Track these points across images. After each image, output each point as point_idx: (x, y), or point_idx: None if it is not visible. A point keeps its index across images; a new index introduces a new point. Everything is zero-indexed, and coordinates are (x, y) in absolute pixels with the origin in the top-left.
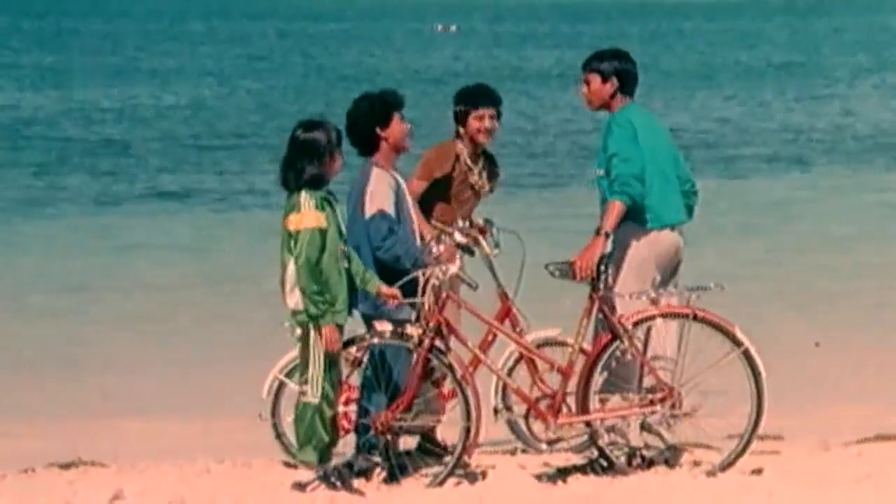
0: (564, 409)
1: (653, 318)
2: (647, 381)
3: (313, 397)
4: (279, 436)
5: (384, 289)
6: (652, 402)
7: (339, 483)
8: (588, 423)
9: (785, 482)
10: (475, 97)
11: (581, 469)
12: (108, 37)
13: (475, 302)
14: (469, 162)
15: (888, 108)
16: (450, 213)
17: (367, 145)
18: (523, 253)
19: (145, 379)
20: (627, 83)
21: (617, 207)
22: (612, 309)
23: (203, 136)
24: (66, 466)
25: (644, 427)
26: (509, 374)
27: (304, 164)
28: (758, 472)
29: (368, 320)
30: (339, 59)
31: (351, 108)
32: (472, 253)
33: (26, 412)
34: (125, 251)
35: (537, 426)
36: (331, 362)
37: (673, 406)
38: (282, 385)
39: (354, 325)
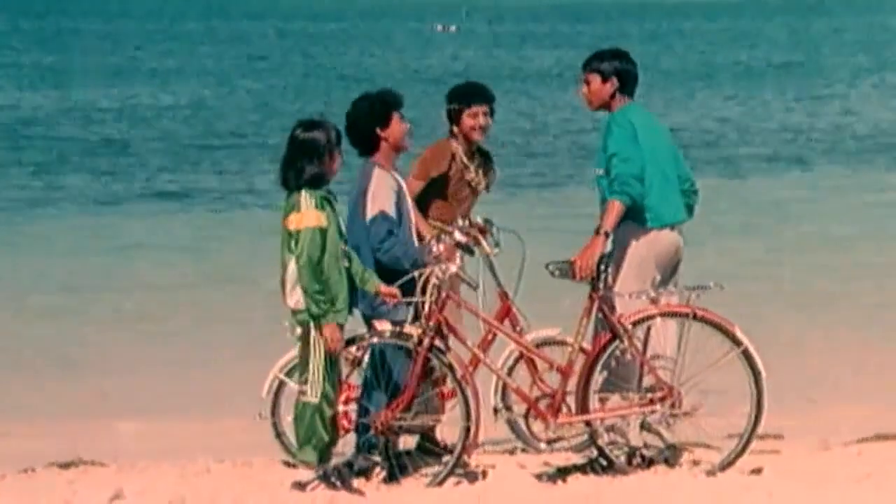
0: (564, 409)
1: (652, 317)
2: (647, 381)
3: (313, 397)
4: (279, 435)
5: (383, 288)
6: (652, 402)
7: (338, 482)
8: (588, 423)
9: (785, 482)
10: (468, 95)
11: (581, 469)
12: (108, 37)
13: (475, 301)
14: (465, 160)
15: (888, 108)
16: (448, 211)
17: (367, 145)
18: (523, 252)
19: (145, 379)
20: (627, 83)
21: (616, 207)
22: (612, 308)
23: (203, 136)
24: (66, 466)
25: (644, 426)
26: (509, 373)
27: (303, 164)
28: (757, 471)
29: (368, 320)
30: (339, 59)
31: (350, 109)
32: (471, 252)
33: (26, 412)
34: (125, 251)
35: (537, 426)
36: (331, 362)
37: (673, 405)
38: (282, 384)
39: (355, 325)
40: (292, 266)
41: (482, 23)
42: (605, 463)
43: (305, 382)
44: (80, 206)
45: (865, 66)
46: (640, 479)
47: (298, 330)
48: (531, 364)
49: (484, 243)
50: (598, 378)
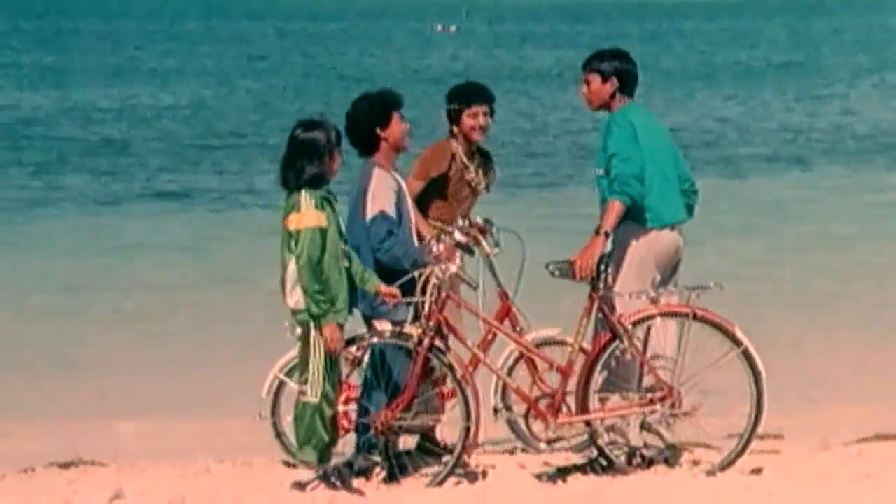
0: (564, 409)
1: (652, 317)
2: (647, 381)
3: (313, 397)
4: (279, 435)
5: (383, 288)
6: (652, 402)
7: (338, 483)
8: (588, 423)
9: (785, 482)
10: (468, 95)
11: (581, 469)
12: (108, 37)
13: (475, 302)
14: (465, 160)
15: (888, 108)
16: (448, 212)
17: (368, 146)
18: (523, 252)
19: (145, 379)
20: (628, 83)
21: (616, 207)
22: (612, 308)
23: (203, 136)
24: (66, 466)
25: (644, 426)
26: (509, 373)
27: (303, 164)
28: (757, 471)
29: (368, 320)
30: (339, 59)
31: (350, 109)
32: (471, 253)
33: (26, 412)
34: (125, 251)
35: (537, 426)
36: (331, 362)
37: (673, 405)
38: (282, 384)
39: (355, 325)
40: (292, 266)
41: (482, 23)
42: (605, 463)
43: (305, 382)
44: (80, 206)
45: (865, 66)
46: (640, 479)
47: (298, 330)
48: (531, 364)
49: (484, 243)
50: (598, 378)
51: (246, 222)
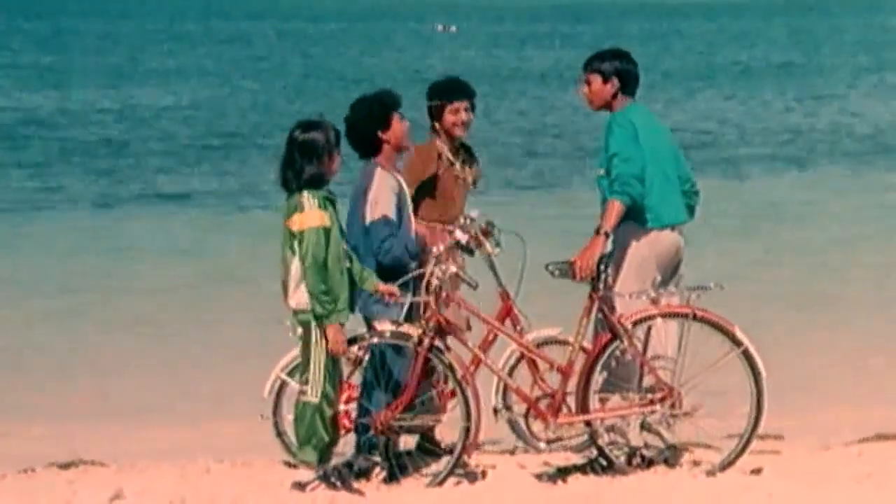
0: (564, 409)
1: (653, 317)
2: (647, 381)
3: (314, 397)
4: (280, 434)
5: (382, 286)
6: (652, 402)
7: (339, 483)
8: (588, 423)
9: (785, 482)
10: (449, 91)
11: (581, 469)
12: (108, 37)
13: (475, 301)
14: (451, 157)
15: (888, 108)
16: (445, 211)
17: (369, 148)
18: (524, 253)
19: (145, 379)
20: (628, 83)
21: (617, 207)
22: (612, 308)
23: (203, 136)
24: (66, 466)
25: (644, 427)
26: (510, 373)
27: (303, 165)
28: (757, 471)
29: (366, 319)
30: (339, 59)
31: (348, 114)
32: (472, 253)
33: (26, 412)
34: (125, 252)
35: (537, 426)
36: (332, 362)
37: (673, 406)
38: (283, 384)
39: (355, 325)
40: (295, 266)
41: (482, 23)
42: (605, 463)
43: (306, 382)
44: (79, 206)
45: (865, 67)
46: (640, 479)
47: (300, 330)
48: (532, 364)
49: (486, 244)
50: (599, 378)
51: (246, 223)
